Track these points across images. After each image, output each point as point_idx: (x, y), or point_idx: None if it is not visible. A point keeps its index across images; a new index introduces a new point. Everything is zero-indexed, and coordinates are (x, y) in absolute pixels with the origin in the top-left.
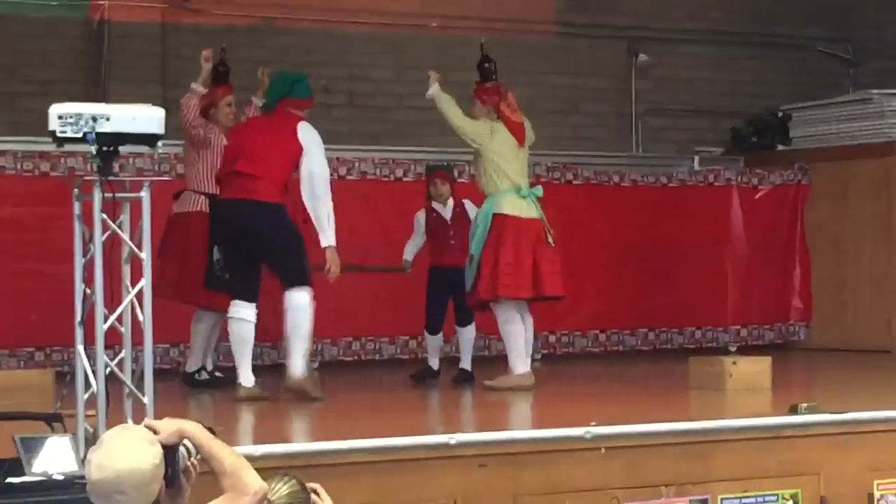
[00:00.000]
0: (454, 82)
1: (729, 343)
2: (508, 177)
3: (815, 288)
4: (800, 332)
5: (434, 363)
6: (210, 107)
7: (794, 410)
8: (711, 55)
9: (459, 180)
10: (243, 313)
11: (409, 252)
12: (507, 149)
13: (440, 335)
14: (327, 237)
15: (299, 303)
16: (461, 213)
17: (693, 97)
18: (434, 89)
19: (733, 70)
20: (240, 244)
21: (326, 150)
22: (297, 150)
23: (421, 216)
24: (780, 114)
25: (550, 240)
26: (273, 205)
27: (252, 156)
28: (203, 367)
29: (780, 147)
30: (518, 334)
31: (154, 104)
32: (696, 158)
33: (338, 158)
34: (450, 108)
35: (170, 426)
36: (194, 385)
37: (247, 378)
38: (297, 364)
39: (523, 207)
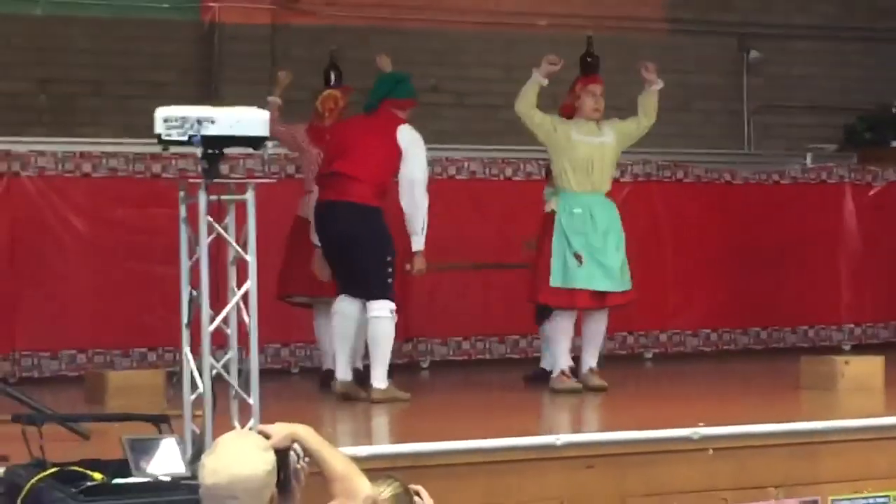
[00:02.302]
0: (564, 80)
1: (843, 341)
2: None
3: None
4: None
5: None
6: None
7: None
8: (824, 51)
9: None
10: (344, 308)
11: None
12: None
13: None
14: (418, 241)
15: (381, 314)
16: None
17: (805, 93)
18: (659, 83)
19: (846, 66)
20: (338, 246)
21: (435, 149)
22: (397, 154)
23: None
24: (894, 109)
25: None
26: (368, 207)
27: (350, 157)
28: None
29: (894, 143)
30: None
31: (263, 106)
32: (809, 156)
33: (446, 158)
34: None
35: (282, 430)
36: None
37: (344, 372)
38: (380, 377)
39: None
